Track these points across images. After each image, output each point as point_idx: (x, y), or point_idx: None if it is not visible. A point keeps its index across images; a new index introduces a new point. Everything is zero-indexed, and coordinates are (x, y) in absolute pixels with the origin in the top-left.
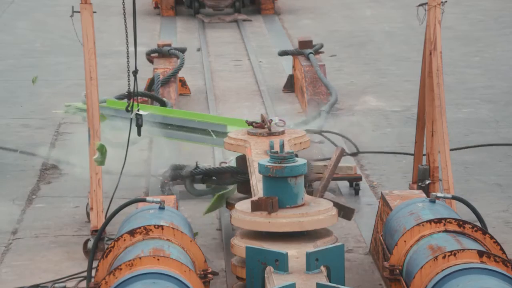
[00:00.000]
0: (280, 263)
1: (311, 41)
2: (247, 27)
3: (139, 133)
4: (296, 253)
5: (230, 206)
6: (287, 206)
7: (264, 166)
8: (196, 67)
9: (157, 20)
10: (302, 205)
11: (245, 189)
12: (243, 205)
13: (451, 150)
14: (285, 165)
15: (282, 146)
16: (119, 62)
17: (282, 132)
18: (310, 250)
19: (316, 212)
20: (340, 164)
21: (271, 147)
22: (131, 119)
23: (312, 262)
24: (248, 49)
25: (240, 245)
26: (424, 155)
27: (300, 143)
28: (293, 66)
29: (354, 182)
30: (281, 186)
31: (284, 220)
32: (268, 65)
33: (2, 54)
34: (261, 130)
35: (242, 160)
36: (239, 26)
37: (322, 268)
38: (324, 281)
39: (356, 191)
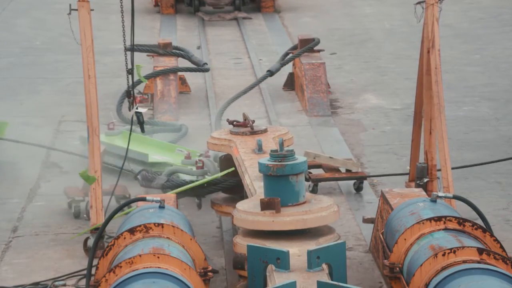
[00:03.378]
0: (282, 261)
1: (311, 39)
2: (247, 25)
3: (142, 130)
4: (297, 251)
5: (216, 206)
6: (289, 204)
7: (264, 165)
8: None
9: (157, 18)
10: (304, 202)
11: (230, 190)
12: (244, 205)
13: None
14: (286, 163)
15: (281, 144)
16: (119, 60)
17: (265, 130)
18: (311, 248)
19: (319, 209)
20: (342, 158)
21: (259, 145)
22: (132, 117)
23: (313, 260)
24: (248, 47)
25: (242, 243)
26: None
27: (284, 140)
28: (293, 64)
29: (358, 180)
30: (283, 185)
31: (287, 218)
32: (268, 63)
33: (2, 52)
34: (244, 129)
35: (226, 161)
36: (239, 24)
37: (324, 266)
38: (325, 279)
39: (360, 189)
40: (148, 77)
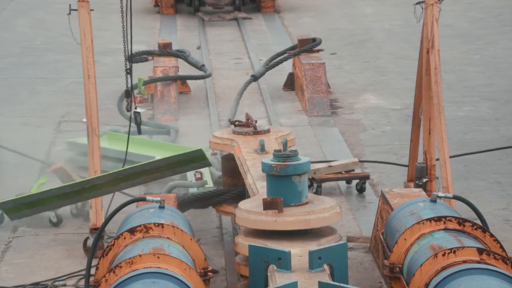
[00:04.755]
0: (283, 261)
1: (310, 39)
2: (247, 25)
3: (139, 131)
4: (299, 251)
5: (217, 206)
6: (292, 204)
7: (268, 165)
8: None
9: (157, 18)
10: (306, 203)
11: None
12: (247, 204)
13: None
14: (289, 163)
15: (285, 144)
16: (119, 60)
17: (268, 131)
18: (312, 249)
19: (322, 209)
20: (345, 161)
21: (262, 145)
22: (130, 117)
23: (315, 260)
24: (248, 47)
25: (243, 243)
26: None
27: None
28: (293, 64)
29: (360, 180)
30: (286, 185)
31: (290, 218)
32: None
33: (2, 52)
34: (247, 129)
35: (228, 160)
36: (239, 24)
37: (325, 266)
38: (326, 279)
39: (363, 189)
40: (149, 82)
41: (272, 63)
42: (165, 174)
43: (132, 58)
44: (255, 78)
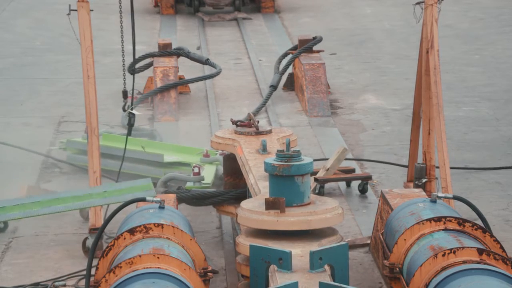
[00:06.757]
0: (284, 261)
1: (311, 39)
2: (247, 26)
3: (129, 133)
4: (300, 252)
5: (217, 206)
6: (294, 204)
7: (270, 165)
8: (196, 66)
9: (157, 18)
10: (309, 203)
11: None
12: (249, 204)
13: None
14: (292, 163)
15: (288, 144)
16: (119, 60)
17: (270, 131)
18: (313, 249)
19: (324, 210)
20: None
21: (264, 146)
22: (129, 119)
23: (316, 261)
24: (248, 48)
25: (245, 243)
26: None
27: None
28: (293, 65)
29: (363, 181)
30: (288, 185)
31: (292, 218)
32: (268, 64)
33: (2, 52)
34: (249, 129)
35: (230, 160)
36: (239, 25)
37: (326, 267)
38: (327, 280)
39: (365, 190)
40: (161, 89)
41: (283, 67)
42: (111, 199)
43: (135, 64)
44: (274, 87)
